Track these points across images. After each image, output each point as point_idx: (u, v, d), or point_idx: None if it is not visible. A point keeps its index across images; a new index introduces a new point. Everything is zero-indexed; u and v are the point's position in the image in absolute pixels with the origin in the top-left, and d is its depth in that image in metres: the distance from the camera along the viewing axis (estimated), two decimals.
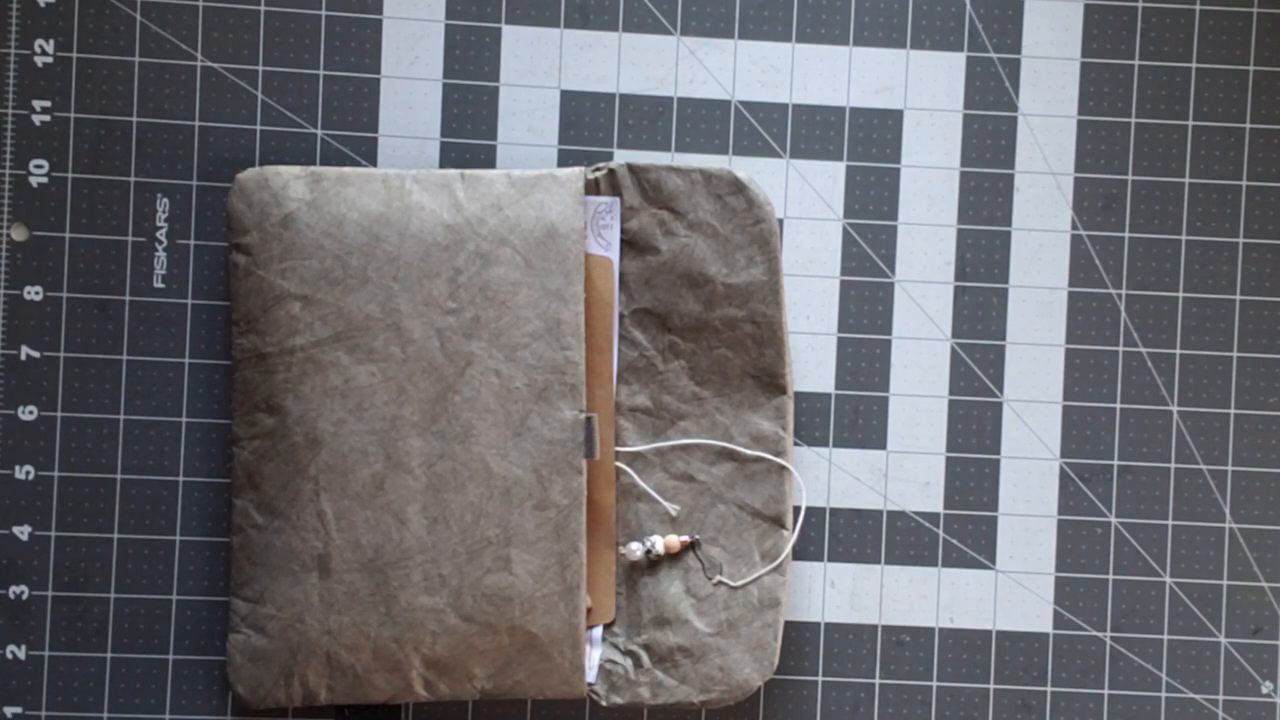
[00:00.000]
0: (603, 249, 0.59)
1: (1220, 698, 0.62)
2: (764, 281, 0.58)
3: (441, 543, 0.56)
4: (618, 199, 0.59)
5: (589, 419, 0.57)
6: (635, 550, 0.58)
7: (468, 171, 0.57)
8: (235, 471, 0.58)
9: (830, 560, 0.61)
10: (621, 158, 0.61)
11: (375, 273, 0.56)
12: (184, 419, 0.60)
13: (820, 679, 0.61)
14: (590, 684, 0.58)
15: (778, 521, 0.59)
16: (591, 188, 0.59)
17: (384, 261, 0.56)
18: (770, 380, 0.59)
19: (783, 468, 0.59)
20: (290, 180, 0.57)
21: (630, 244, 0.59)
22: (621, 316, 0.59)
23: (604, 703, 0.58)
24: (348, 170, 0.57)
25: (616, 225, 0.59)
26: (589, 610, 0.58)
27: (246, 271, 0.56)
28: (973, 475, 0.61)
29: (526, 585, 0.56)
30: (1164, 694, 0.61)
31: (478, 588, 0.56)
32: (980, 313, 0.62)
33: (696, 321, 0.59)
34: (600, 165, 0.59)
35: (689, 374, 0.59)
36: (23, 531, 0.60)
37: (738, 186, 0.58)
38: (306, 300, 0.56)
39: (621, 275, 0.59)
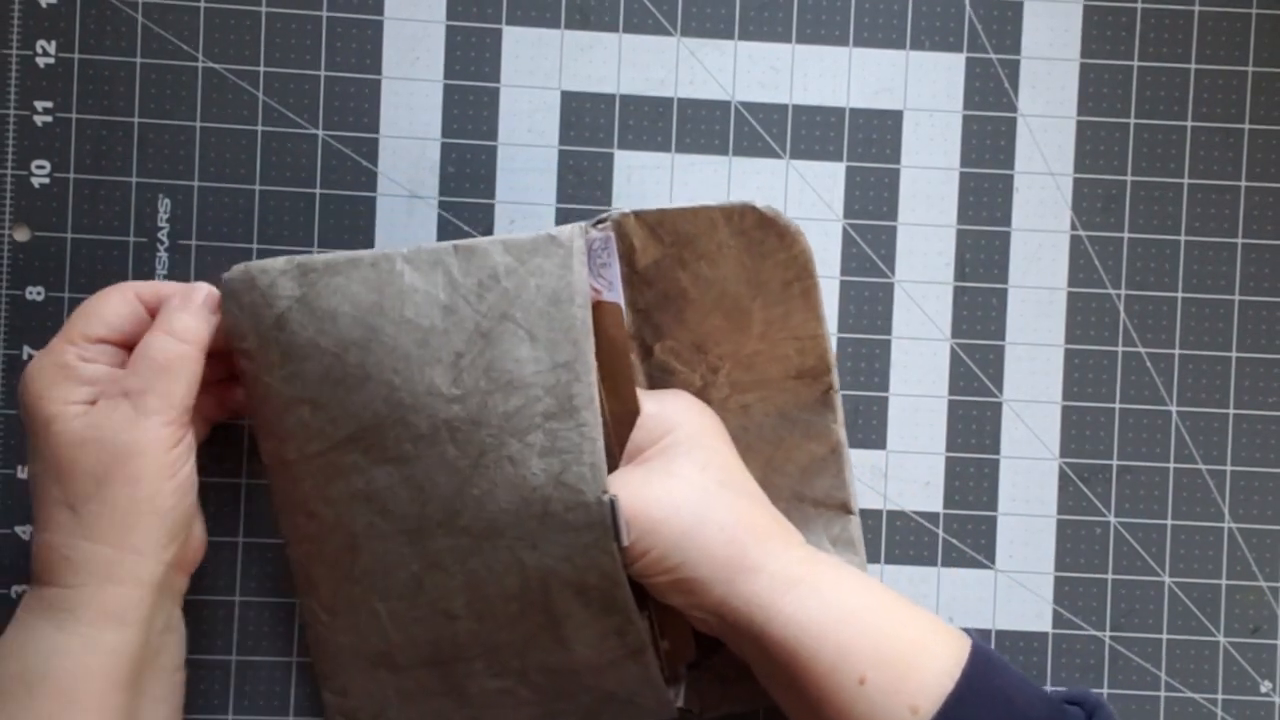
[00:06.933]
0: (604, 289, 0.55)
1: (1219, 697, 0.62)
2: (802, 304, 0.57)
3: (493, 633, 0.54)
4: (611, 234, 0.55)
5: (612, 502, 0.51)
6: None
7: (460, 243, 0.53)
8: (295, 571, 0.56)
9: None
10: (622, 159, 0.61)
11: (374, 368, 0.52)
12: None
13: None
14: (681, 707, 0.57)
15: (843, 508, 0.59)
16: None
17: (382, 354, 0.52)
18: (813, 379, 0.58)
19: (838, 457, 0.58)
20: (277, 277, 0.53)
21: (649, 284, 0.57)
22: (651, 350, 0.58)
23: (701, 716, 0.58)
24: (334, 257, 0.53)
25: (615, 263, 0.55)
26: (668, 653, 0.55)
27: (255, 378, 0.54)
28: (972, 475, 0.62)
29: (589, 656, 0.54)
30: (1163, 693, 0.61)
31: (542, 667, 0.54)
32: (980, 313, 0.62)
33: (735, 346, 0.58)
34: (603, 218, 0.56)
35: (731, 386, 0.58)
36: (24, 531, 0.60)
37: (763, 221, 0.56)
38: (314, 404, 0.53)
39: (647, 311, 0.57)
